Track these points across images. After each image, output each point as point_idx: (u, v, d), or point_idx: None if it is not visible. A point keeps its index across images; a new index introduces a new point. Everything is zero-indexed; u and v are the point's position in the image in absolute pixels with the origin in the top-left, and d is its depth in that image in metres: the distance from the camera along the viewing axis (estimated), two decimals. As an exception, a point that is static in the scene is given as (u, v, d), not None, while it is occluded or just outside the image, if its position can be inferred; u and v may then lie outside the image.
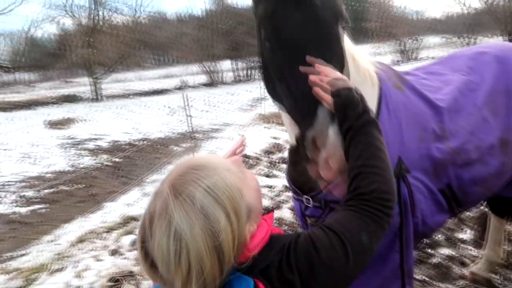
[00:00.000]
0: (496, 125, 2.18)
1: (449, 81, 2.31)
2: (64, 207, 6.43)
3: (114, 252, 4.33)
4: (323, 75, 1.29)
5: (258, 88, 12.78)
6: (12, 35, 32.47)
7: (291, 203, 4.89)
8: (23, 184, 7.98)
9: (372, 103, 1.72)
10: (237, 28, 26.43)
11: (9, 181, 8.19)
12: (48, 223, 5.73)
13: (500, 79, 2.27)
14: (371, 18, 29.40)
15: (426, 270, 3.45)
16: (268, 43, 1.47)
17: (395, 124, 1.87)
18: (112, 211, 5.70)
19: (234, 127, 11.17)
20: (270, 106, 10.84)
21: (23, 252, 4.66)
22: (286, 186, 5.42)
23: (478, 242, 3.73)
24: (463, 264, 3.50)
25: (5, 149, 11.59)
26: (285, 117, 1.65)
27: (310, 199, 1.85)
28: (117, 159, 9.18)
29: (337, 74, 1.32)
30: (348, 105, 1.21)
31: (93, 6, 26.08)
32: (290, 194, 4.26)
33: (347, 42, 1.63)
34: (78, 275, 3.87)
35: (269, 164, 7.16)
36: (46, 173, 8.69)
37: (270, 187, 5.85)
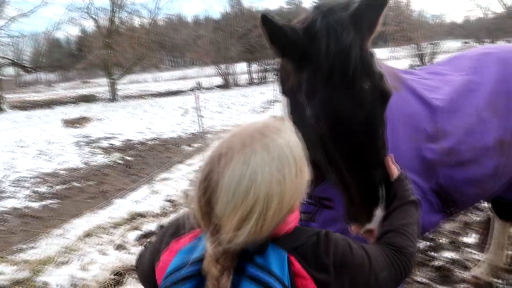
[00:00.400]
0: (494, 126, 2.15)
1: (450, 81, 2.29)
2: (75, 202, 6.56)
3: (119, 247, 4.41)
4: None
5: (271, 90, 12.79)
6: (35, 37, 33.35)
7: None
8: (38, 180, 8.17)
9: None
10: (253, 31, 26.53)
11: (24, 177, 8.40)
12: (59, 217, 5.86)
13: (501, 81, 2.24)
14: (389, 21, 29.14)
15: (428, 273, 3.41)
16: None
17: (388, 125, 1.88)
18: (120, 207, 5.80)
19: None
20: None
21: (32, 245, 4.78)
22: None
23: (482, 246, 3.65)
24: (465, 268, 3.45)
25: (22, 146, 11.89)
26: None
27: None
28: (128, 158, 9.33)
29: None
30: (401, 183, 1.46)
31: (112, 8, 26.54)
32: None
33: None
34: (83, 268, 3.96)
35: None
36: (60, 169, 8.88)
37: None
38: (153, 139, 11.66)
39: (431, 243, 3.87)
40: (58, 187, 7.50)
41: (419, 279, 3.32)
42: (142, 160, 9.21)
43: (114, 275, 3.79)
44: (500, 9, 24.64)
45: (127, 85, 34.01)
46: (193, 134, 11.95)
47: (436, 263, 3.54)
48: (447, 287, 3.21)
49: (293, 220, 1.09)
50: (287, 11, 43.92)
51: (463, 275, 3.33)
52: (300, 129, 1.17)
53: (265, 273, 0.96)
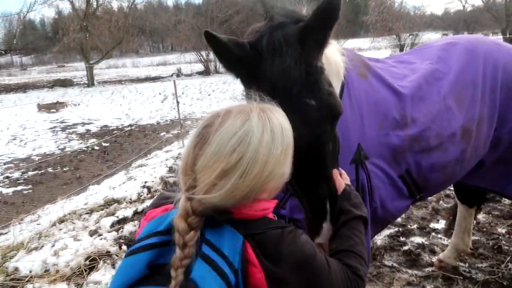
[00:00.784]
0: (460, 114, 2.21)
1: (417, 69, 2.33)
2: (49, 188, 6.44)
3: (93, 233, 4.36)
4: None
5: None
6: (8, 18, 32.10)
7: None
8: (10, 165, 7.97)
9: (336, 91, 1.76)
10: (234, 17, 26.26)
11: (-5, 162, 8.19)
12: (32, 203, 5.75)
13: (466, 70, 2.30)
14: (370, 12, 29.33)
15: (396, 257, 3.52)
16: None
17: (356, 112, 1.89)
18: (96, 193, 5.73)
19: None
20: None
21: (4, 231, 4.68)
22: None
23: (450, 232, 3.79)
24: (433, 253, 3.57)
25: (-6, 131, 11.56)
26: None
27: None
28: (105, 144, 9.18)
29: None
30: (347, 196, 1.45)
31: (89, -11, 25.76)
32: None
33: None
34: (56, 254, 3.90)
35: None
36: (34, 155, 8.68)
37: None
38: (131, 125, 11.50)
39: (401, 229, 3.98)
40: (31, 172, 7.34)
41: (388, 263, 3.42)
42: (119, 147, 9.09)
43: (88, 260, 3.76)
44: (478, 2, 25.10)
45: (105, 70, 33.27)
46: (172, 120, 11.84)
47: (405, 248, 3.65)
48: (414, 271, 3.31)
49: (262, 209, 1.10)
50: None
51: (430, 260, 3.44)
52: None
53: (216, 253, 0.98)
